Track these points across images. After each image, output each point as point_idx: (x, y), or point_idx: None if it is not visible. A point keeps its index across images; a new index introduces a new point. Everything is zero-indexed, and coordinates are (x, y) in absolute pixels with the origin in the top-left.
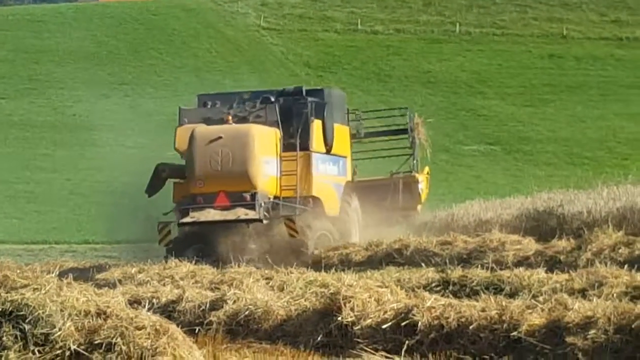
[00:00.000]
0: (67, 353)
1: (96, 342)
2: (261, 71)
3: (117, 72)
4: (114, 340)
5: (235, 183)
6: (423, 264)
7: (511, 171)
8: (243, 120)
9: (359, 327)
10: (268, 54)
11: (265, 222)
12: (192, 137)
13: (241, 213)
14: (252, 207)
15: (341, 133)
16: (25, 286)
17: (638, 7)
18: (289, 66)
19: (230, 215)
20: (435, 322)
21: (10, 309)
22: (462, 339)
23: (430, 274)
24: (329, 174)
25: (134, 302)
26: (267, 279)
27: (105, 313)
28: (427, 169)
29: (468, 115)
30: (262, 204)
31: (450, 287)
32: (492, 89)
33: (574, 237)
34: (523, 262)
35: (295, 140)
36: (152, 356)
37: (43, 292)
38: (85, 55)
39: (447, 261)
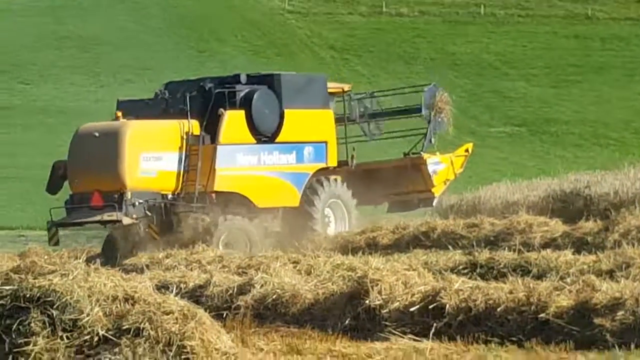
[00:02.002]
0: (95, 338)
1: (124, 327)
2: (286, 55)
3: (141, 57)
4: (142, 325)
5: (106, 182)
6: (450, 247)
7: (537, 153)
8: (163, 112)
9: (386, 310)
10: (293, 38)
11: (126, 222)
12: (74, 135)
13: (105, 214)
14: (120, 207)
15: (313, 118)
16: (53, 272)
17: None
18: (314, 49)
19: (96, 216)
20: (463, 304)
21: (38, 295)
22: (490, 321)
23: (457, 256)
24: (272, 164)
25: (162, 287)
26: (294, 262)
27: (133, 298)
28: (466, 146)
29: (494, 97)
30: (136, 204)
31: (478, 270)
32: (518, 71)
33: (601, 218)
34: (550, 243)
35: (201, 132)
36: (180, 341)
37: (71, 278)
38: (108, 41)
39: (474, 244)
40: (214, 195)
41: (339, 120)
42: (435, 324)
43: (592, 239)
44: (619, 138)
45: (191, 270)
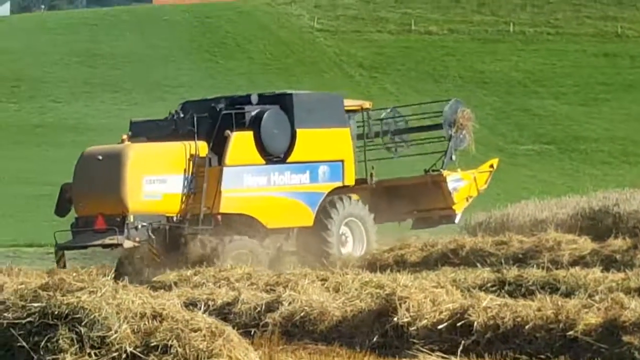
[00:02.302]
0: (123, 356)
1: (152, 344)
2: (315, 73)
3: (172, 75)
4: (170, 343)
5: (109, 206)
6: (478, 264)
7: (566, 170)
8: (173, 133)
9: (414, 327)
10: (322, 55)
11: (127, 245)
12: (79, 158)
13: (107, 238)
14: (122, 230)
15: (328, 137)
16: (81, 289)
17: None
18: (342, 67)
19: (99, 240)
20: (491, 322)
21: (66, 312)
22: (518, 339)
23: (485, 274)
24: (283, 184)
25: (190, 305)
26: (322, 280)
27: (161, 315)
28: (490, 162)
29: (523, 115)
30: (139, 227)
31: (506, 287)
32: (547, 89)
33: (630, 236)
34: (579, 261)
35: (208, 154)
36: (208, 358)
37: (99, 295)
38: (140, 59)
39: (503, 261)
40: (219, 217)
41: (361, 137)
42: (463, 342)
43: (621, 256)
44: None
45: (219, 287)
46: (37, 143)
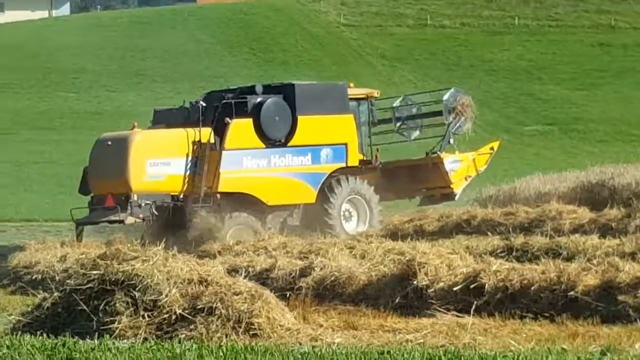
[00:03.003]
0: (173, 317)
1: (199, 306)
2: (341, 63)
3: (213, 67)
4: (214, 305)
5: (117, 186)
6: (489, 233)
7: (567, 148)
8: (186, 120)
9: (432, 289)
10: (347, 48)
11: (129, 222)
12: (94, 143)
13: (112, 215)
14: (125, 208)
15: (332, 123)
16: (135, 258)
17: None
18: (366, 58)
19: (106, 216)
20: (501, 284)
21: (122, 278)
22: (525, 299)
23: (495, 241)
24: (284, 165)
25: (232, 271)
26: (350, 248)
27: (206, 281)
28: (491, 145)
29: (527, 99)
30: (142, 205)
31: (514, 253)
32: (548, 75)
33: (624, 206)
34: (578, 229)
35: (209, 139)
36: (249, 318)
37: (151, 263)
38: (185, 52)
39: (511, 230)
40: (218, 195)
41: (378, 122)
42: (475, 302)
43: (616, 224)
44: None
45: (258, 255)
46: (93, 128)
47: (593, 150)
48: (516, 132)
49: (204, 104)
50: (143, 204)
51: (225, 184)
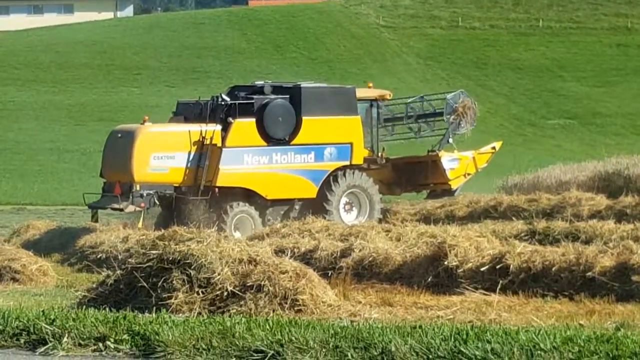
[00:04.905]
0: (225, 293)
1: (248, 284)
2: (380, 61)
3: (263, 64)
4: (262, 283)
5: (123, 175)
6: (514, 218)
7: (586, 141)
8: (199, 115)
9: (461, 269)
10: (386, 47)
11: (129, 210)
12: (110, 133)
13: (114, 203)
14: (126, 197)
15: (337, 123)
16: (191, 239)
17: None
18: (403, 57)
19: (111, 204)
20: (524, 265)
21: (178, 258)
22: (546, 279)
23: (520, 225)
24: (286, 162)
25: (279, 252)
26: (386, 231)
27: (255, 260)
28: (493, 144)
29: (550, 95)
30: (144, 194)
31: (536, 236)
32: (570, 73)
33: (638, 194)
34: (596, 215)
35: (215, 136)
36: (294, 295)
37: (205, 244)
38: (238, 51)
39: (534, 215)
40: (217, 189)
41: (390, 120)
42: (501, 281)
43: (631, 211)
44: None
45: (303, 237)
46: (155, 119)
47: (610, 142)
48: (539, 126)
49: (227, 99)
50: (145, 194)
51: (224, 178)
